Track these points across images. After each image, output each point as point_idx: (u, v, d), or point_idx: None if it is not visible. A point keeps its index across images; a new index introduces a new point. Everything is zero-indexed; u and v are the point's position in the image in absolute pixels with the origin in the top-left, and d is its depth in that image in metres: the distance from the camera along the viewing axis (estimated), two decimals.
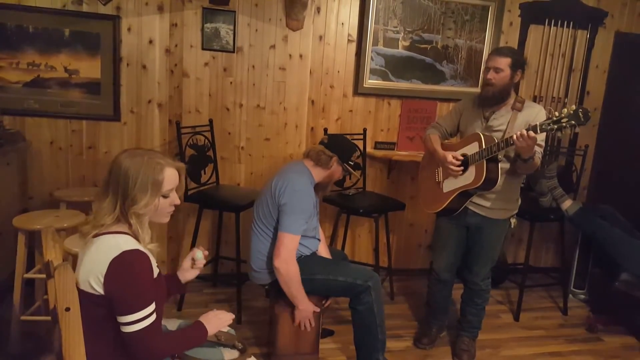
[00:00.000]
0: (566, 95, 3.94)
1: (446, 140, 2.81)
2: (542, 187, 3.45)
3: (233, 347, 1.80)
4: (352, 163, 2.58)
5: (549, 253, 4.26)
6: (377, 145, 3.72)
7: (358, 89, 3.62)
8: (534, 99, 3.87)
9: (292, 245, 2.39)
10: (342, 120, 3.67)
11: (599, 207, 3.43)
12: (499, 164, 2.46)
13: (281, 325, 2.55)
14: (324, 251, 2.73)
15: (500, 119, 2.53)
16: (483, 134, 2.47)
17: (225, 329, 1.85)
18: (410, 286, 3.76)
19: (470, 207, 2.63)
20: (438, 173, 2.74)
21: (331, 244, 3.44)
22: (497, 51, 2.56)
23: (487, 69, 2.51)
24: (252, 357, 1.83)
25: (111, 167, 1.54)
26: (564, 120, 2.15)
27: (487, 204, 2.60)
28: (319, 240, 2.69)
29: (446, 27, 3.65)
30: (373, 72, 3.61)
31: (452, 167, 2.53)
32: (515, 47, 3.76)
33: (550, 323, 3.41)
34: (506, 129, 2.48)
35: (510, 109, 2.52)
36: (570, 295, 3.76)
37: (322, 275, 2.48)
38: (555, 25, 3.82)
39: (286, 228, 2.38)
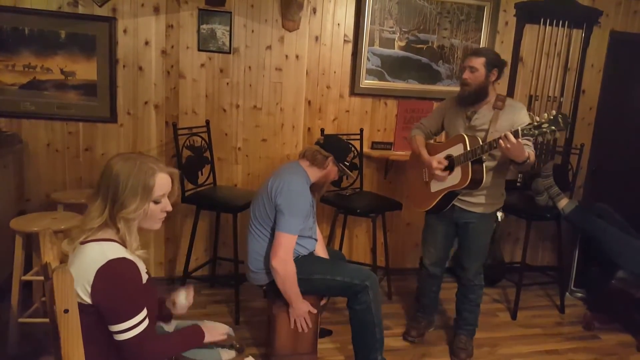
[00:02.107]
0: (562, 95, 3.95)
1: (431, 141, 2.86)
2: (538, 185, 3.46)
3: (231, 347, 1.81)
4: (347, 163, 2.59)
5: (546, 252, 4.27)
6: (374, 145, 3.72)
7: (354, 89, 3.63)
8: (530, 98, 3.89)
9: (289, 245, 2.40)
10: (339, 120, 3.68)
11: (595, 205, 3.45)
12: (485, 163, 2.53)
13: (279, 326, 2.55)
14: (321, 251, 2.74)
15: (482, 119, 2.59)
16: (467, 135, 2.53)
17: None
18: (407, 285, 3.77)
19: (457, 204, 2.69)
20: (425, 173, 2.79)
21: (328, 244, 3.44)
22: (472, 51, 2.67)
23: (464, 69, 2.59)
24: (250, 357, 1.84)
25: (103, 170, 1.52)
26: (545, 125, 2.21)
27: (474, 200, 2.66)
28: (316, 240, 2.69)
29: (442, 27, 3.67)
30: (369, 72, 3.62)
31: (437, 172, 2.61)
32: (511, 47, 3.80)
33: (547, 321, 3.42)
34: (489, 129, 2.54)
35: (491, 107, 2.58)
36: (567, 294, 3.77)
37: (320, 275, 2.49)
38: (551, 24, 3.84)
39: (283, 228, 2.39)
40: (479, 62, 2.52)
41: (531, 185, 3.54)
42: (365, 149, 3.67)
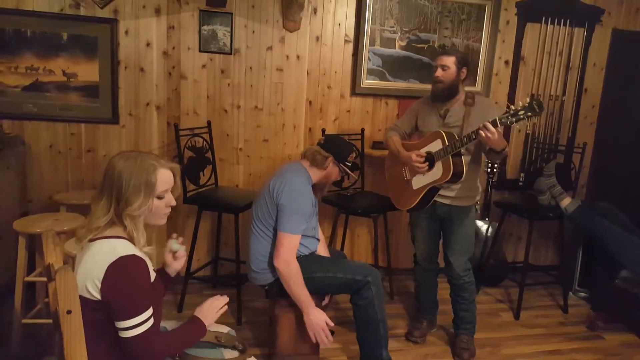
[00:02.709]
0: (564, 94, 3.94)
1: (407, 141, 2.88)
2: (540, 185, 3.45)
3: (233, 347, 1.81)
4: (349, 164, 2.59)
5: (549, 251, 4.26)
6: (375, 145, 3.71)
7: (355, 89, 3.63)
8: (531, 98, 3.87)
9: (291, 245, 2.40)
10: (340, 120, 3.68)
11: (598, 204, 3.43)
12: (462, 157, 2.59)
13: (281, 326, 2.55)
14: (323, 251, 2.74)
15: (455, 116, 2.65)
16: (444, 131, 2.58)
17: (226, 329, 1.86)
18: (409, 285, 3.76)
19: (438, 199, 2.74)
20: (405, 172, 2.81)
21: (330, 244, 3.44)
22: (443, 51, 2.80)
23: (436, 67, 2.67)
24: (253, 357, 1.83)
25: (105, 169, 1.54)
26: (521, 112, 2.33)
27: (453, 193, 2.71)
28: (318, 240, 2.69)
29: (443, 26, 3.66)
30: (370, 72, 3.62)
31: (417, 164, 2.65)
32: (512, 46, 3.81)
33: (550, 321, 3.41)
34: (462, 124, 2.59)
35: (462, 105, 2.64)
36: (571, 293, 3.76)
37: (321, 273, 2.49)
38: (552, 23, 3.83)
39: (285, 228, 2.39)
40: (450, 61, 2.62)
41: (534, 184, 3.54)
42: (367, 149, 3.67)
